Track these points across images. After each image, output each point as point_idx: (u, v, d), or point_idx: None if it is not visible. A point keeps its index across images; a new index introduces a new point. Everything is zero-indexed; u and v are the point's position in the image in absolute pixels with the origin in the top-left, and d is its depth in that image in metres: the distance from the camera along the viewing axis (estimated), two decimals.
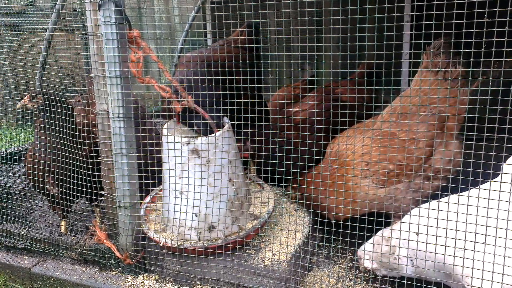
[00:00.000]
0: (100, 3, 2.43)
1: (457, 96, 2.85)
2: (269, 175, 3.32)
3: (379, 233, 2.59)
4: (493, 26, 1.77)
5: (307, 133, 2.81)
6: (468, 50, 1.88)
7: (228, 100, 2.71)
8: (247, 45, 3.57)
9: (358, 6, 2.02)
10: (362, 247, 2.67)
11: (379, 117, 3.10)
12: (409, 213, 2.41)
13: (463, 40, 1.87)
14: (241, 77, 2.65)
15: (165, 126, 2.90)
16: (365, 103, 3.62)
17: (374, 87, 3.96)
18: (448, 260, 2.17)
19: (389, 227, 2.57)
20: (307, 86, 4.44)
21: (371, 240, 2.62)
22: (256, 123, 3.20)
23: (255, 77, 3.34)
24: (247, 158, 3.60)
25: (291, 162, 2.52)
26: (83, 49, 3.90)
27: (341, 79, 4.23)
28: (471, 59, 1.89)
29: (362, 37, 2.14)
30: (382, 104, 3.26)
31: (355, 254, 2.75)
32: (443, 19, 1.84)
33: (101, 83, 2.65)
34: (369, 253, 2.58)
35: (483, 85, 2.03)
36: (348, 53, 2.19)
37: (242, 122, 2.60)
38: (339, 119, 2.52)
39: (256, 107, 2.64)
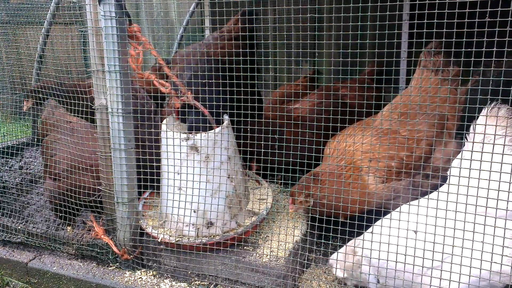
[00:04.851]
0: None
1: (457, 95, 2.86)
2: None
3: (351, 242, 2.53)
4: (494, 25, 1.77)
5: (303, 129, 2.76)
6: (469, 50, 1.88)
7: (228, 96, 2.71)
8: (240, 34, 3.37)
9: (359, 4, 2.03)
10: (334, 255, 2.59)
11: (378, 115, 3.10)
12: (379, 223, 2.38)
13: (464, 39, 1.87)
14: (234, 73, 2.61)
15: (164, 121, 2.89)
16: (366, 102, 3.58)
17: (383, 85, 3.94)
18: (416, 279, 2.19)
19: (360, 237, 2.50)
20: (307, 83, 4.43)
21: (342, 249, 2.56)
22: (254, 117, 3.16)
23: (250, 66, 3.24)
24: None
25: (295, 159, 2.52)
26: (81, 43, 3.87)
27: (343, 77, 4.21)
28: (472, 58, 1.89)
29: (362, 36, 2.15)
30: (382, 102, 3.25)
31: (327, 262, 2.64)
32: (445, 18, 1.85)
33: (100, 78, 2.64)
34: (340, 262, 2.52)
35: (483, 85, 2.05)
36: (348, 51, 2.19)
37: (242, 114, 2.56)
38: (339, 116, 2.51)
39: (252, 101, 2.60)
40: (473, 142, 2.27)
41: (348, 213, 2.65)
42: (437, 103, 2.85)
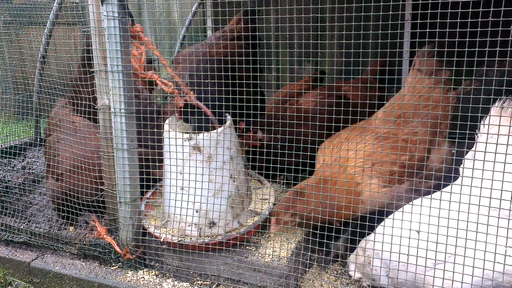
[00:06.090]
0: None
1: (449, 96, 2.83)
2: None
3: (369, 244, 2.51)
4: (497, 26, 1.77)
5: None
6: (470, 49, 1.88)
7: (230, 96, 2.71)
8: (243, 33, 3.42)
9: (362, 4, 2.03)
10: (350, 257, 2.62)
11: (373, 117, 3.07)
12: (382, 224, 2.38)
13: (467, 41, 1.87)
14: (237, 73, 2.61)
15: (167, 121, 2.90)
16: (368, 101, 3.57)
17: (385, 85, 3.93)
18: (419, 277, 2.19)
19: (367, 238, 2.49)
20: (310, 83, 4.42)
21: (357, 251, 2.56)
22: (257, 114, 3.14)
23: (252, 66, 3.24)
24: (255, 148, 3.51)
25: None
26: (83, 43, 3.88)
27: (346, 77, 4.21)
28: (476, 58, 1.89)
29: (364, 35, 2.15)
30: (384, 102, 3.23)
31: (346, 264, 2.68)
32: (448, 17, 1.84)
33: (103, 78, 2.64)
34: (354, 262, 2.54)
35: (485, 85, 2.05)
36: (351, 50, 2.19)
37: (244, 113, 2.56)
38: (341, 116, 2.50)
39: (255, 101, 2.59)
40: (488, 143, 2.25)
41: (342, 219, 2.58)
42: (430, 105, 2.82)
